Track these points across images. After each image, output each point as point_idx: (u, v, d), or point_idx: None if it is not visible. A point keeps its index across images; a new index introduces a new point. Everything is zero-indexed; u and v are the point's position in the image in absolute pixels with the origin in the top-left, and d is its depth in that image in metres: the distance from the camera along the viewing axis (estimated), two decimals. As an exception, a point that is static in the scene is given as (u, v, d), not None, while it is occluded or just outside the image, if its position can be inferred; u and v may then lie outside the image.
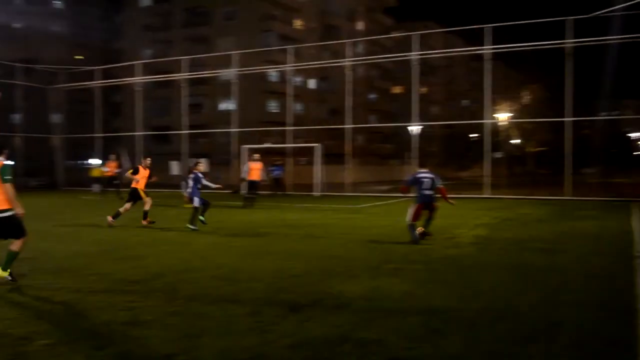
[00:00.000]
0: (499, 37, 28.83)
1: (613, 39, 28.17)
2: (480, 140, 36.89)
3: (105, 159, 33.40)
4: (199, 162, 16.04)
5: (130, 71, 43.91)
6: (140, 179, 16.00)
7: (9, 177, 7.91)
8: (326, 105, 69.70)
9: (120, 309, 6.76)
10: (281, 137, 43.15)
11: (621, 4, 26.29)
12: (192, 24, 66.66)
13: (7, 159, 8.04)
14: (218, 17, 65.03)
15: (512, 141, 36.53)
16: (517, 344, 5.52)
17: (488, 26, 28.49)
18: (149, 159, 16.87)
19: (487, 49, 28.79)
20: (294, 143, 36.76)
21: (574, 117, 27.74)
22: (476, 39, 30.47)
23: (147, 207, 15.83)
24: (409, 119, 33.46)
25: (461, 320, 6.27)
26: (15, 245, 8.17)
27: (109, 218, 15.51)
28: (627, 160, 52.30)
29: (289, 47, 37.99)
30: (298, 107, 62.51)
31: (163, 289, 7.84)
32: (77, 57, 72.18)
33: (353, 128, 34.12)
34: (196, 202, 15.16)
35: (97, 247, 11.66)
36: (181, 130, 38.52)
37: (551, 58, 28.86)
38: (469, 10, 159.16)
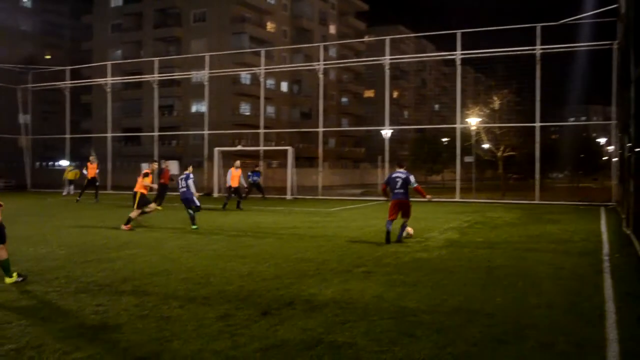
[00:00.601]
0: (470, 42, 29.15)
1: (582, 45, 28.65)
2: (451, 144, 37.20)
3: (78, 160, 32.92)
4: (189, 164, 16.80)
5: (100, 71, 43.47)
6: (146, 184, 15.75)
7: None
8: (298, 108, 69.77)
9: (90, 313, 6.68)
10: (254, 139, 43.01)
11: (589, 12, 26.80)
12: (163, 24, 66.14)
13: None
14: (189, 18, 64.63)
15: (483, 145, 36.88)
16: (487, 346, 5.57)
17: (459, 32, 28.78)
18: (155, 163, 16.41)
19: (458, 54, 29.03)
20: (266, 146, 36.64)
21: (543, 122, 28.11)
22: (448, 44, 30.76)
23: (133, 214, 15.50)
24: (381, 123, 33.59)
25: (432, 323, 6.31)
26: (2, 253, 8.27)
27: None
28: (595, 165, 53.29)
29: (262, 49, 37.86)
30: (270, 109, 62.46)
31: (133, 293, 7.76)
32: (46, 56, 71.29)
33: (326, 131, 34.13)
34: (196, 201, 15.87)
35: (66, 250, 11.50)
36: (152, 132, 38.06)
37: (522, 64, 29.18)
38: (440, 16, 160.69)
